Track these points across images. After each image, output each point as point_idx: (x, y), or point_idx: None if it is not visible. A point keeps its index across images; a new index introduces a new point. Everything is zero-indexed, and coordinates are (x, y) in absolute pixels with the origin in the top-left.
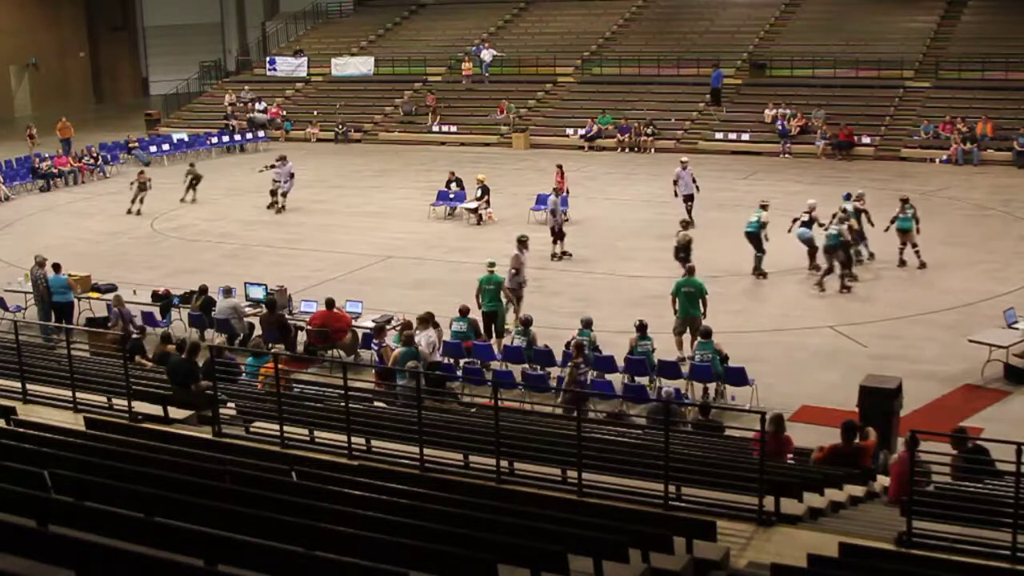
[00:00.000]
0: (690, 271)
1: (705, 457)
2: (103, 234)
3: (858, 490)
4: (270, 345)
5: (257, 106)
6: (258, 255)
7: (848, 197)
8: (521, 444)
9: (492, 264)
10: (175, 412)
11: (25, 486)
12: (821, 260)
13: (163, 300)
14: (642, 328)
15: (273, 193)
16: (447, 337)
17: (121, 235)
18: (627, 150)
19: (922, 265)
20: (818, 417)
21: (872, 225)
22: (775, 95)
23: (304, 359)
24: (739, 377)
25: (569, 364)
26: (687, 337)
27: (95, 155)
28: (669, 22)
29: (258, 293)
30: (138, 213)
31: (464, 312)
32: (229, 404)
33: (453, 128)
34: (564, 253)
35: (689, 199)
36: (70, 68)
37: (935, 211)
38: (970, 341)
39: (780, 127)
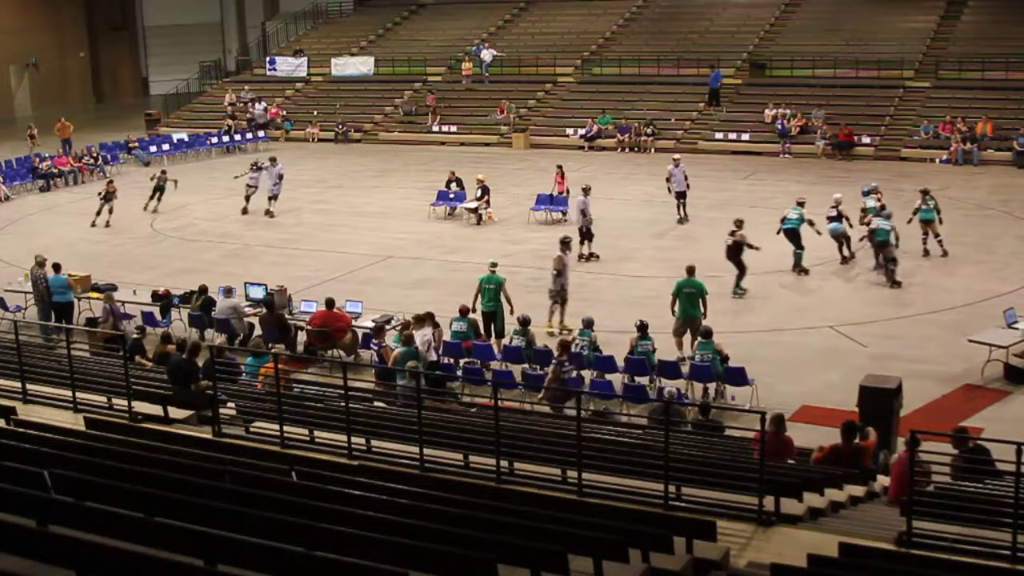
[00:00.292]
0: (690, 271)
1: (705, 457)
2: (103, 234)
3: (858, 490)
4: (270, 345)
5: (257, 106)
6: (258, 255)
7: (867, 192)
8: (521, 444)
9: (494, 264)
10: (175, 412)
11: (25, 486)
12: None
13: (163, 300)
14: (643, 328)
15: (247, 197)
16: (447, 337)
17: (121, 235)
18: (627, 150)
19: (944, 253)
20: (818, 417)
21: (851, 226)
22: (775, 95)
23: (304, 359)
24: (739, 377)
25: (553, 362)
26: (687, 337)
27: (95, 155)
28: (669, 22)
29: (258, 293)
30: (107, 224)
31: (464, 312)
32: (229, 404)
33: (453, 128)
34: (592, 254)
35: (681, 196)
36: (70, 68)
37: None
38: (970, 341)
39: (780, 127)
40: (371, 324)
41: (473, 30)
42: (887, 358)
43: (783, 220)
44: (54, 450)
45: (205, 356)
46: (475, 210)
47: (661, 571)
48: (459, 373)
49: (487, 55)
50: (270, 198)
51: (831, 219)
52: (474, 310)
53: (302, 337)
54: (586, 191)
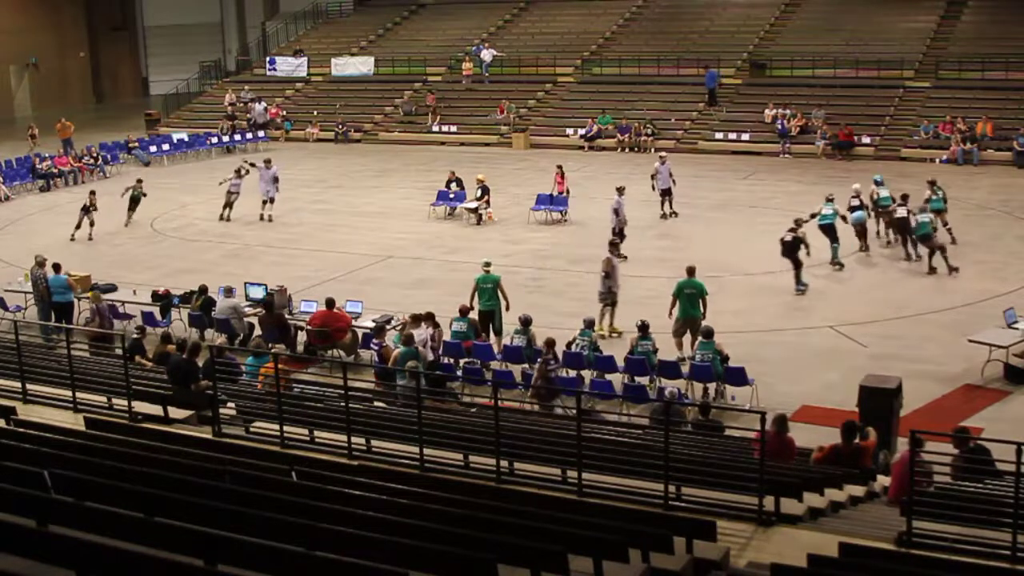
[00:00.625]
0: (690, 271)
1: (705, 457)
2: (103, 234)
3: (858, 490)
4: (270, 345)
5: (257, 106)
6: (258, 255)
7: (880, 183)
8: (521, 444)
9: (488, 264)
10: (175, 412)
11: (25, 486)
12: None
13: (163, 300)
14: (643, 328)
15: (226, 204)
16: (447, 337)
17: (121, 235)
18: (627, 150)
19: (953, 241)
20: (818, 417)
21: (870, 215)
22: (775, 95)
23: (304, 359)
24: (739, 377)
25: (539, 360)
26: (687, 338)
27: (95, 155)
28: (669, 22)
29: (258, 293)
30: (89, 238)
31: (464, 312)
32: (229, 404)
33: (453, 128)
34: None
35: (666, 193)
36: (70, 68)
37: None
38: (970, 341)
39: (780, 127)
40: (371, 324)
41: (473, 30)
42: (887, 358)
43: (819, 216)
44: (54, 450)
45: (205, 356)
46: (475, 210)
47: (661, 571)
48: (459, 373)
49: (487, 55)
50: (265, 201)
51: (853, 208)
52: (472, 309)
53: (302, 337)
54: (620, 191)
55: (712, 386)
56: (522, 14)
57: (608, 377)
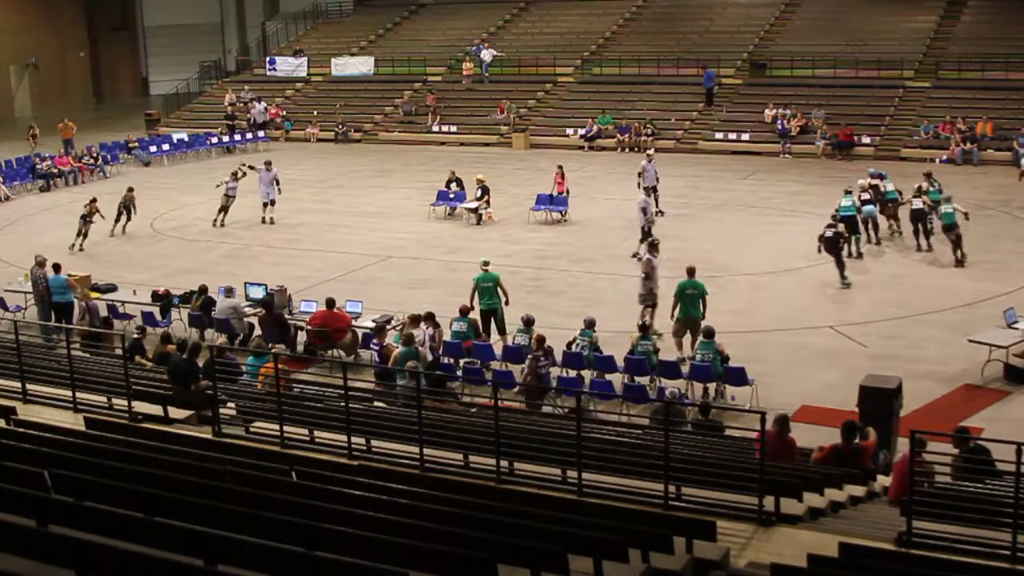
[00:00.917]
0: (690, 272)
1: (705, 457)
2: (103, 234)
3: (858, 490)
4: (270, 345)
5: (257, 106)
6: (258, 255)
7: (882, 177)
8: (521, 444)
9: (486, 263)
10: (175, 412)
11: (25, 486)
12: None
13: (163, 300)
14: (645, 328)
15: (222, 208)
16: (447, 337)
17: (120, 235)
18: (627, 150)
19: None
20: (818, 417)
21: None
22: (775, 95)
23: (304, 359)
24: (739, 377)
25: (529, 357)
26: (687, 338)
27: (95, 155)
28: (669, 22)
29: (258, 293)
30: (80, 249)
31: (464, 312)
32: (229, 404)
33: (453, 128)
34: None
35: (652, 191)
36: (70, 68)
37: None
38: (970, 341)
39: (780, 127)
40: (371, 324)
41: (473, 30)
42: (887, 358)
43: (838, 209)
44: (54, 450)
45: (205, 356)
46: (475, 210)
47: (661, 571)
48: (459, 373)
49: (487, 55)
50: (265, 204)
51: (864, 202)
52: (473, 308)
53: (302, 337)
54: (647, 191)
55: (712, 386)
56: (522, 14)
57: (608, 377)
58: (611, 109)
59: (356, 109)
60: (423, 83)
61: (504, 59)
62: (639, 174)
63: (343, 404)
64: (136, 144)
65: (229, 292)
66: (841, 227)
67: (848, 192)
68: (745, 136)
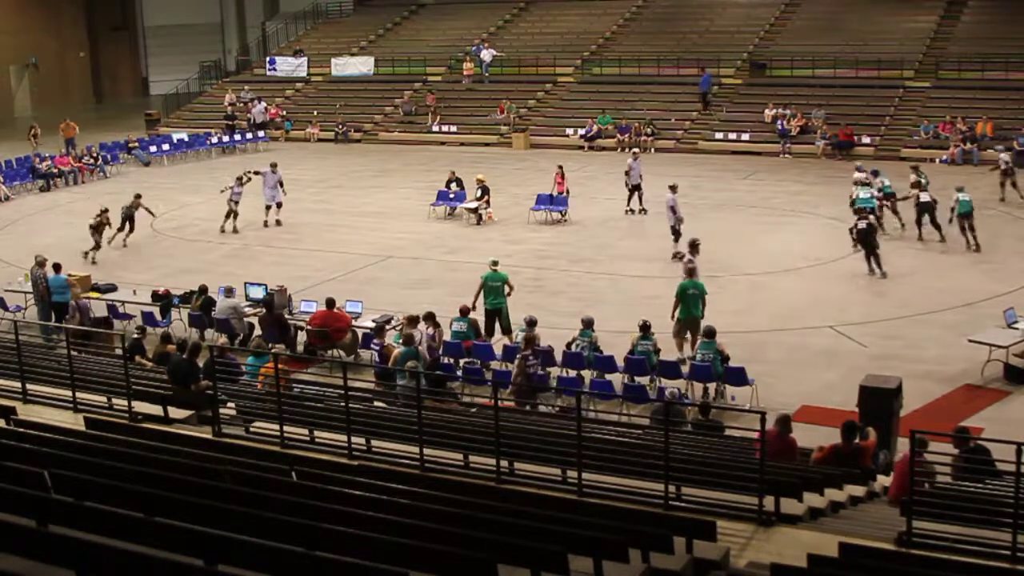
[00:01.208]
0: (691, 272)
1: (705, 457)
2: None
3: (858, 490)
4: (270, 345)
5: (257, 106)
6: (258, 255)
7: (876, 174)
8: (521, 444)
9: (495, 262)
10: (175, 412)
11: (25, 486)
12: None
13: (163, 300)
14: (645, 328)
15: (228, 214)
16: (447, 337)
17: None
18: (627, 150)
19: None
20: (818, 417)
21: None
22: (775, 95)
23: (304, 359)
24: (739, 377)
25: (518, 357)
26: (687, 338)
27: (95, 155)
28: (669, 22)
29: (258, 293)
30: (93, 262)
31: (464, 312)
32: (229, 404)
33: (453, 128)
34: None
35: (636, 189)
36: (70, 68)
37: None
38: (970, 341)
39: (780, 127)
40: (371, 324)
41: (473, 30)
42: (887, 358)
43: (854, 201)
44: (54, 450)
45: (205, 356)
46: (475, 210)
47: (661, 571)
48: (459, 373)
49: (487, 55)
50: (269, 207)
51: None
52: (474, 308)
53: (302, 337)
54: (673, 188)
55: (712, 386)
56: (522, 14)
57: (608, 377)
58: (611, 109)
59: (356, 109)
60: (423, 83)
61: (504, 59)
62: (626, 173)
63: (343, 404)
64: (136, 144)
65: (229, 292)
66: (872, 218)
67: (866, 184)
68: (745, 136)
